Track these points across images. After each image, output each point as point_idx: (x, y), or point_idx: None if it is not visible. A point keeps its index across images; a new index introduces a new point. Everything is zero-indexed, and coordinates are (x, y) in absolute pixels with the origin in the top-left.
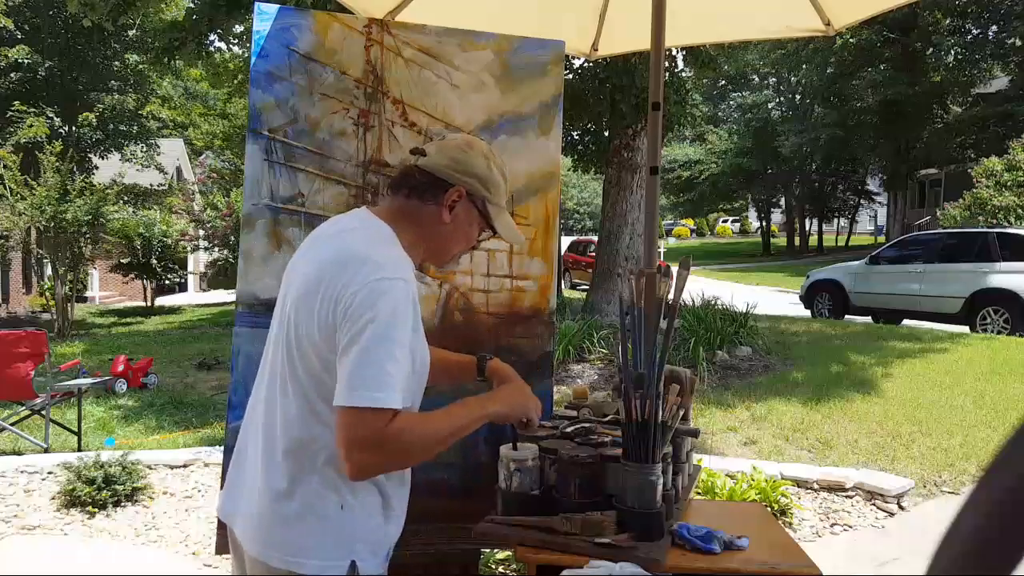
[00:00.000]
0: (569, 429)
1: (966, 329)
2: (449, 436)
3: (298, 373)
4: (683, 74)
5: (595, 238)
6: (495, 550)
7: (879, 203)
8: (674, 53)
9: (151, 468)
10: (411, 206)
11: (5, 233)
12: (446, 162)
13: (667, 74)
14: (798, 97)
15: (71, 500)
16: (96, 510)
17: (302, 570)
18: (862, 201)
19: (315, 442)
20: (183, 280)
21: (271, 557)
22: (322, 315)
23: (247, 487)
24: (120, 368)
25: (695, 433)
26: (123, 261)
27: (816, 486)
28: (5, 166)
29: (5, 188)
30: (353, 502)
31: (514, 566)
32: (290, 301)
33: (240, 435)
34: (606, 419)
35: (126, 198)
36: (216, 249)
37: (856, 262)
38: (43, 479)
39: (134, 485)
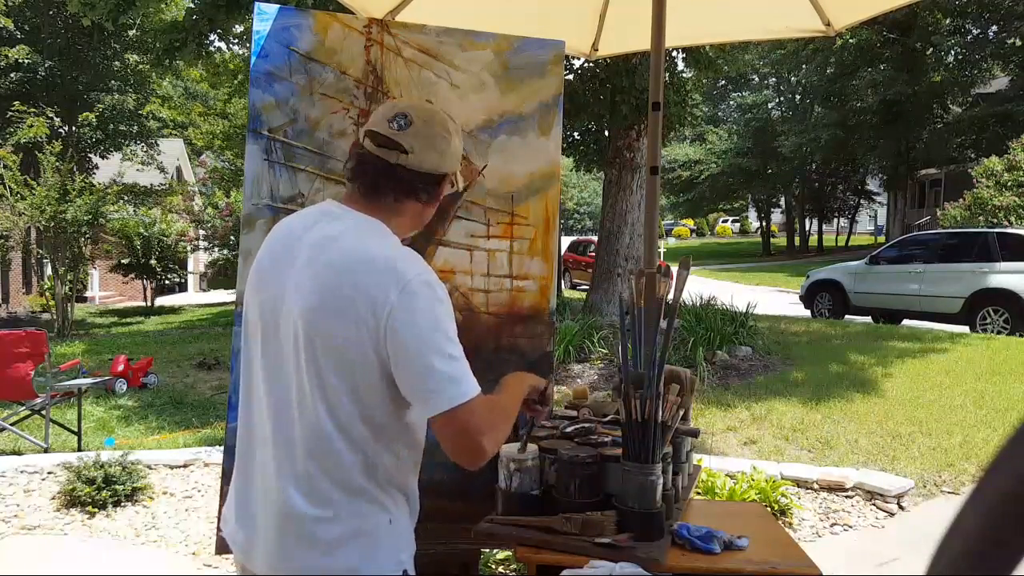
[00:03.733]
0: (569, 429)
1: (966, 329)
2: (513, 407)
3: (338, 390)
4: (683, 74)
5: (595, 238)
6: (495, 550)
7: (879, 203)
8: (674, 54)
9: (151, 468)
10: (398, 203)
11: (5, 233)
12: (436, 157)
13: (667, 74)
14: (798, 97)
15: (71, 500)
16: (96, 510)
17: None
18: (862, 201)
19: (366, 459)
20: (183, 280)
21: None
22: (369, 323)
23: (261, 514)
24: (120, 368)
25: (695, 433)
26: (123, 261)
27: (816, 486)
28: (5, 166)
29: (5, 188)
30: (397, 514)
31: (514, 566)
32: (298, 312)
33: (241, 462)
34: (606, 419)
35: (126, 198)
36: (216, 249)
37: (856, 262)
38: (43, 479)
39: (134, 485)
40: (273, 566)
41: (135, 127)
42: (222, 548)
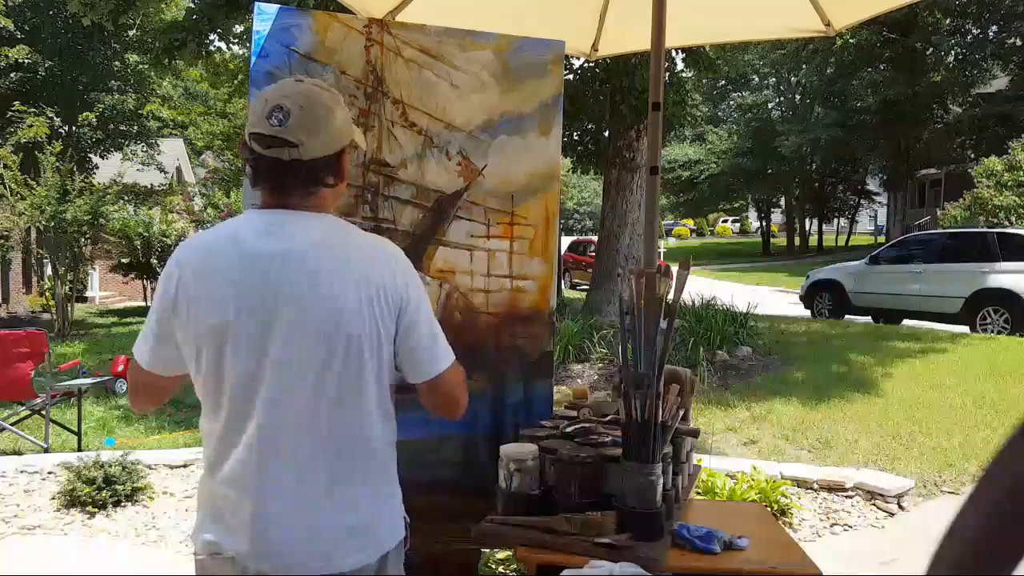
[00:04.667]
0: (569, 429)
1: (966, 329)
2: None
3: (372, 380)
4: (683, 74)
5: (595, 238)
6: (495, 550)
7: (879, 203)
8: (674, 54)
9: (151, 468)
10: (312, 193)
11: (5, 233)
12: (327, 139)
13: (667, 74)
14: (798, 97)
15: (71, 500)
16: (96, 510)
17: (400, 534)
18: (862, 201)
19: (393, 439)
20: None
21: (371, 556)
22: (385, 315)
23: (297, 524)
24: (120, 368)
25: (695, 433)
26: (123, 261)
27: (816, 486)
28: (5, 166)
29: (5, 188)
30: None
31: (514, 566)
32: (323, 318)
33: (258, 473)
34: (606, 419)
35: (127, 198)
36: None
37: (856, 262)
38: (43, 479)
39: (134, 485)
40: (320, 560)
41: (135, 127)
42: None
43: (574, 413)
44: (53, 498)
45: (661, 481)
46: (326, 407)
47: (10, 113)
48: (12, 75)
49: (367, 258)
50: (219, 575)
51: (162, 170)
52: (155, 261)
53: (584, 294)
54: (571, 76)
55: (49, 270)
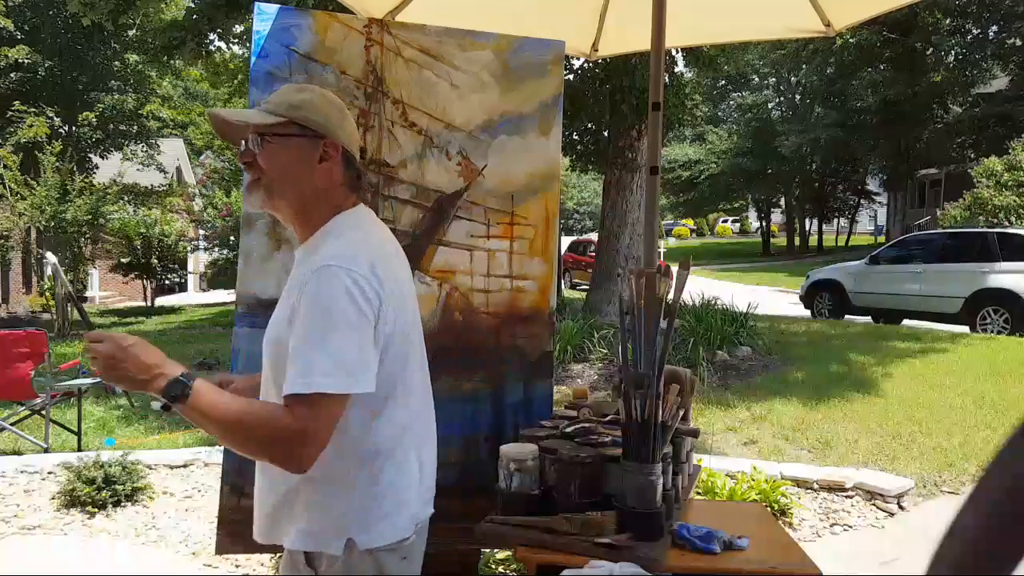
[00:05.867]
0: (569, 429)
1: (966, 329)
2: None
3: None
4: (683, 74)
5: (595, 238)
6: (495, 550)
7: (879, 203)
8: (674, 54)
9: (151, 468)
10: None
11: (5, 233)
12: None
13: (667, 74)
14: (798, 97)
15: (71, 500)
16: (96, 510)
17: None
18: (862, 201)
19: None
20: (183, 280)
21: None
22: None
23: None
24: None
25: (695, 433)
26: (123, 261)
27: (816, 486)
28: (5, 166)
29: (5, 188)
30: None
31: (514, 566)
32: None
33: (421, 452)
34: (606, 419)
35: (126, 198)
36: (216, 249)
37: (856, 262)
38: (43, 479)
39: (134, 485)
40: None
41: (135, 127)
42: (222, 548)
43: (574, 413)
44: (53, 498)
45: (661, 481)
46: None
47: (10, 113)
48: (12, 75)
49: None
50: None
51: (162, 170)
52: (155, 261)
53: (584, 294)
54: (571, 76)
55: (49, 270)
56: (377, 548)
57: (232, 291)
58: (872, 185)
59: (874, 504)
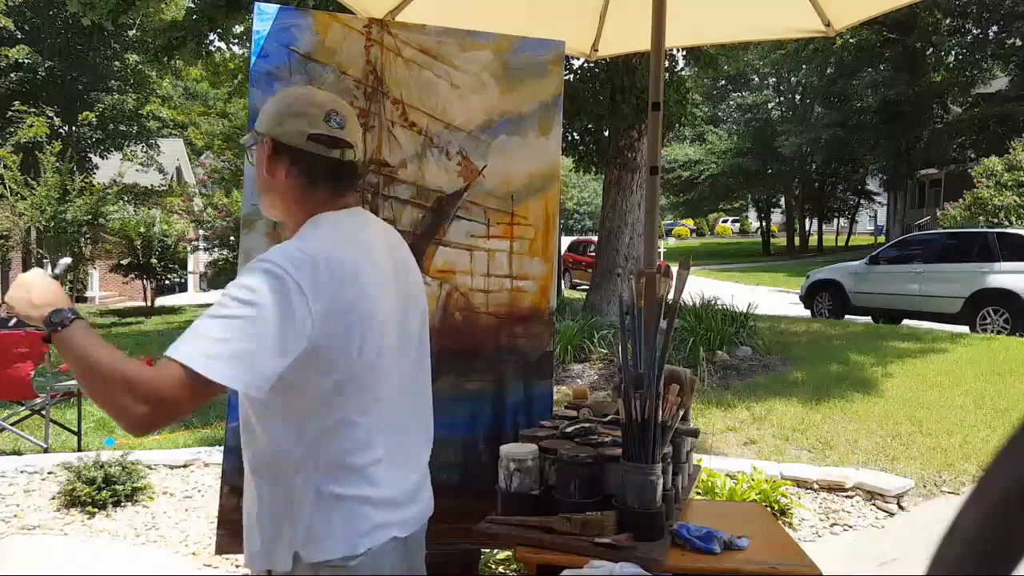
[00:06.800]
0: (569, 429)
1: (966, 329)
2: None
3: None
4: (683, 74)
5: (595, 238)
6: (495, 550)
7: (879, 203)
8: (674, 53)
9: (151, 468)
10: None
11: (5, 233)
12: (360, 147)
13: (667, 74)
14: (798, 97)
15: (71, 500)
16: (96, 510)
17: None
18: (862, 201)
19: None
20: (183, 280)
21: None
22: None
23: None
24: None
25: (695, 433)
26: (123, 261)
27: (816, 486)
28: (5, 166)
29: (5, 188)
30: None
31: (514, 566)
32: (421, 316)
33: (396, 451)
34: (606, 419)
35: (126, 198)
36: (216, 249)
37: (856, 262)
38: (43, 479)
39: (134, 485)
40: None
41: (135, 127)
42: (222, 548)
43: (574, 413)
44: (53, 498)
45: (661, 481)
46: None
47: (10, 113)
48: (12, 75)
49: None
50: None
51: (162, 171)
52: (155, 261)
53: (584, 294)
54: (571, 76)
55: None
56: (325, 562)
57: None
58: (872, 185)
59: (874, 504)
